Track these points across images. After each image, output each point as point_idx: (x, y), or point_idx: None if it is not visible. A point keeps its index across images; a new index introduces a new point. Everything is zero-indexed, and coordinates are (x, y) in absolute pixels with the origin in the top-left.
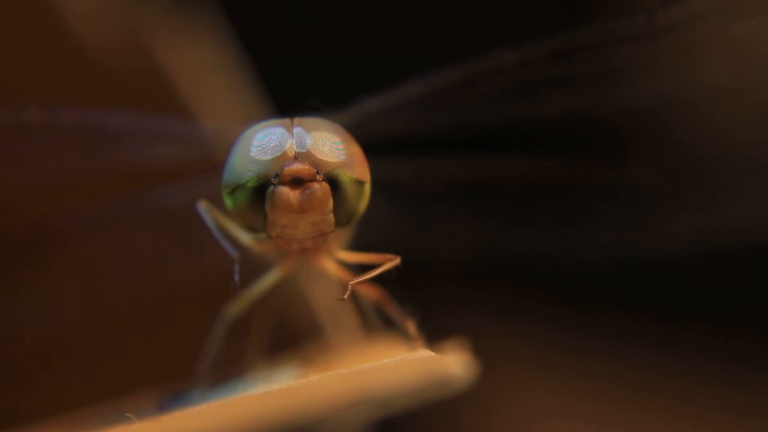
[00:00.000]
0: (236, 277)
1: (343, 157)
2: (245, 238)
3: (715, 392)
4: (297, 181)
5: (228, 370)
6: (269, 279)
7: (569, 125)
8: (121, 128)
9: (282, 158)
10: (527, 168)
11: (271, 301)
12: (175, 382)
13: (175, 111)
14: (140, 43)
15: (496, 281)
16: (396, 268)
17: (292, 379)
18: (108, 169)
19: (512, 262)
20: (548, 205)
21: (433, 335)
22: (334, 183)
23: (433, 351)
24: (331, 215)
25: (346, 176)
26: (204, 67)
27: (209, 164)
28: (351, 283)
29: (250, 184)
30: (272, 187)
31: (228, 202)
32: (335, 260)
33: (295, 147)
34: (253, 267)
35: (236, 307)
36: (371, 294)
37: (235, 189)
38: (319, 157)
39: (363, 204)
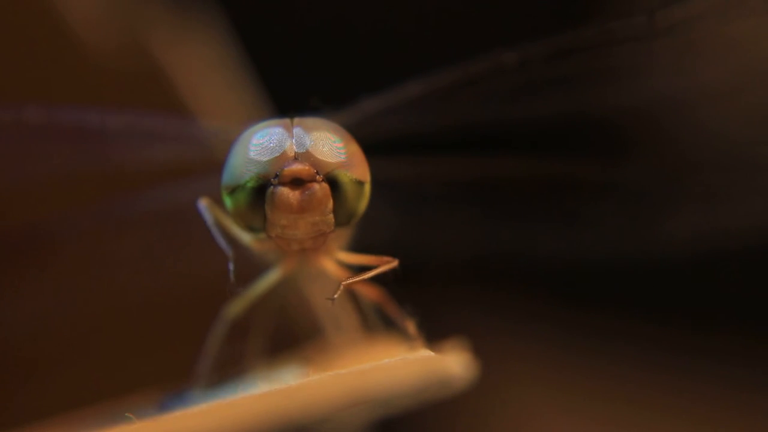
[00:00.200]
0: (232, 276)
1: (342, 158)
2: (245, 238)
3: (714, 391)
4: (297, 182)
5: (228, 370)
6: (269, 279)
7: (569, 125)
8: (120, 128)
9: (282, 158)
10: (527, 168)
11: (271, 301)
12: (175, 382)
13: (175, 111)
14: (140, 43)
15: (496, 281)
16: (393, 270)
17: (292, 379)
18: (107, 169)
19: (512, 262)
20: (548, 204)
21: (433, 335)
22: (333, 183)
23: (432, 351)
24: (331, 215)
25: (346, 176)
26: (204, 67)
27: (209, 164)
28: (344, 283)
29: (249, 185)
30: (272, 187)
31: (228, 202)
32: (335, 260)
33: (294, 147)
34: (253, 267)
35: (236, 308)
36: (371, 294)
37: (234, 189)
38: (319, 157)
39: (363, 204)
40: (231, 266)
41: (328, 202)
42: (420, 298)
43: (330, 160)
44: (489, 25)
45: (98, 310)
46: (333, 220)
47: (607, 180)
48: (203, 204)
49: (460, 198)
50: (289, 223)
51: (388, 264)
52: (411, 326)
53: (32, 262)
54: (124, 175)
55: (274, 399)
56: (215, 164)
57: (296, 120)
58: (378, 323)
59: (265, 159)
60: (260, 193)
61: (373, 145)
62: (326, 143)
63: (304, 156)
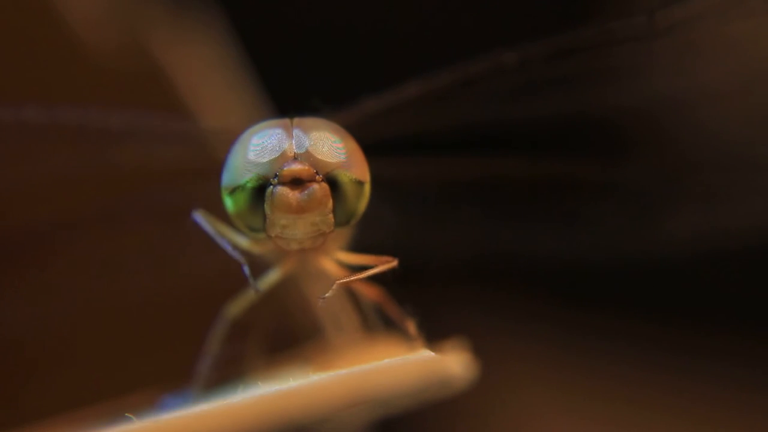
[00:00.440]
0: (250, 279)
1: (342, 158)
2: (244, 241)
3: (714, 391)
4: (296, 182)
5: (228, 370)
6: (269, 279)
7: (569, 125)
8: (121, 128)
9: (281, 159)
10: (527, 168)
11: (271, 301)
12: (175, 382)
13: (175, 111)
14: (140, 43)
15: (496, 281)
16: (393, 270)
17: (293, 379)
18: (108, 169)
19: (512, 262)
20: (548, 204)
21: (433, 335)
22: (333, 183)
23: (433, 351)
24: (331, 215)
25: (345, 176)
26: (204, 67)
27: (209, 164)
28: (338, 282)
29: (249, 185)
30: (272, 187)
31: (228, 202)
32: (335, 261)
33: (294, 147)
34: (254, 267)
35: (236, 308)
36: (371, 294)
37: (234, 190)
38: (319, 157)
39: (362, 204)
40: (246, 269)
41: (327, 202)
42: (420, 298)
43: (329, 160)
44: (489, 25)
45: (98, 310)
46: (333, 220)
47: (607, 180)
48: (200, 216)
49: (460, 198)
50: (289, 223)
51: (387, 264)
52: (411, 326)
53: (32, 262)
54: (124, 176)
55: (274, 399)
56: (215, 164)
57: (296, 120)
58: (378, 323)
59: (264, 159)
60: (260, 193)
61: (373, 145)
62: (326, 143)
63: (303, 156)
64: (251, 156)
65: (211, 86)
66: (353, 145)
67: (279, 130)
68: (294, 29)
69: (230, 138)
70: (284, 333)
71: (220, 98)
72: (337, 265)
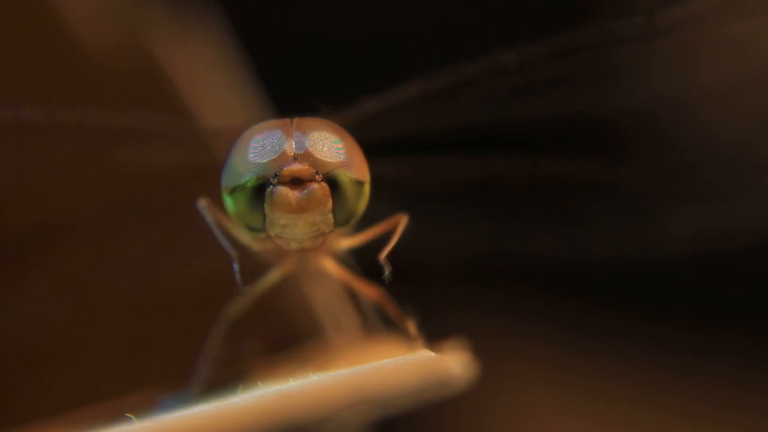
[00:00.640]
0: (237, 276)
1: (342, 157)
2: (245, 238)
3: (714, 391)
4: (296, 181)
5: (228, 370)
6: (269, 279)
7: (569, 125)
8: (121, 128)
9: (281, 158)
10: (527, 168)
11: (271, 301)
12: (175, 382)
13: (175, 111)
14: (140, 43)
15: (496, 281)
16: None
17: (293, 380)
18: (108, 169)
19: (512, 262)
20: (548, 204)
21: (433, 335)
22: (333, 183)
23: (433, 351)
24: (331, 215)
25: (345, 176)
26: (204, 67)
27: (209, 164)
28: (381, 256)
29: (249, 185)
30: (271, 187)
31: (228, 202)
32: (336, 259)
33: (294, 147)
34: (253, 267)
35: (236, 308)
36: (371, 294)
37: (234, 189)
38: (319, 157)
39: (362, 204)
40: (236, 266)
41: (327, 201)
42: (420, 298)
43: (329, 160)
44: (489, 25)
45: (98, 310)
46: (332, 219)
47: (607, 180)
48: (202, 204)
49: (460, 198)
50: (289, 222)
51: (401, 223)
52: (411, 326)
53: (32, 262)
54: (124, 175)
55: (274, 399)
56: (215, 164)
57: (296, 120)
58: (378, 323)
59: (264, 159)
60: (260, 192)
61: (373, 145)
62: (325, 143)
63: (303, 156)
64: (251, 156)
65: (211, 86)
66: (353, 145)
67: (279, 130)
68: (294, 29)
69: (230, 138)
70: (284, 333)
71: (220, 98)
72: (337, 265)
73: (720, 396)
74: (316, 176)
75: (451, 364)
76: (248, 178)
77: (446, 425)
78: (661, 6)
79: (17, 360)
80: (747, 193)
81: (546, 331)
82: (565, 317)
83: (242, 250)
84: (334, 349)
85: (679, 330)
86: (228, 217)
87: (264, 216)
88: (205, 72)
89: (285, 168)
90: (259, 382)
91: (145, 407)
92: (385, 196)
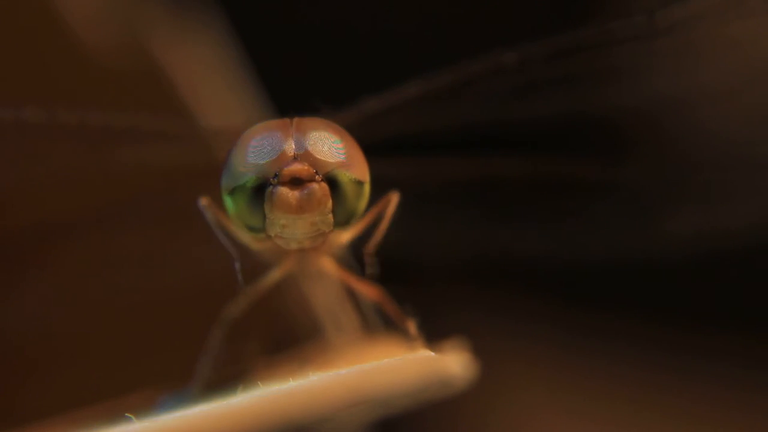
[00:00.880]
0: (239, 275)
1: (342, 157)
2: (245, 238)
3: (714, 391)
4: (296, 181)
5: (228, 370)
6: (269, 279)
7: (569, 125)
8: (121, 128)
9: (281, 158)
10: (527, 168)
11: (271, 301)
12: (175, 382)
13: (175, 111)
14: (140, 43)
15: (496, 281)
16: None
17: (292, 379)
18: (108, 169)
19: (512, 262)
20: (548, 204)
21: (433, 335)
22: (333, 183)
23: (433, 351)
24: (330, 215)
25: (345, 176)
26: (204, 67)
27: (209, 164)
28: (372, 245)
29: (249, 185)
30: (271, 187)
31: (228, 202)
32: (336, 259)
33: (294, 147)
34: (254, 267)
35: (236, 308)
36: (371, 294)
37: (234, 190)
38: (318, 157)
39: (362, 204)
40: (237, 265)
41: (327, 201)
42: (420, 298)
43: (329, 160)
44: (489, 25)
45: (98, 310)
46: (332, 220)
47: (607, 180)
48: (203, 203)
49: (460, 198)
50: (289, 222)
51: (392, 201)
52: (411, 326)
53: (32, 262)
54: (124, 175)
55: (274, 399)
56: (215, 164)
57: (295, 120)
58: (378, 323)
59: (264, 159)
60: (260, 193)
61: (373, 145)
62: (325, 143)
63: (303, 156)
64: (251, 156)
65: (211, 86)
66: (353, 145)
67: (278, 130)
68: (294, 29)
69: (230, 138)
70: (284, 333)
71: (220, 98)
72: (337, 264)
73: (720, 396)
74: (316, 176)
75: (451, 364)
76: (248, 178)
77: (446, 425)
78: (661, 6)
79: (17, 360)
80: (747, 193)
81: (546, 331)
82: (565, 317)
83: (242, 249)
84: (334, 349)
85: (679, 330)
86: (228, 217)
87: (264, 216)
88: (205, 72)
89: (285, 168)
90: (259, 382)
91: (145, 407)
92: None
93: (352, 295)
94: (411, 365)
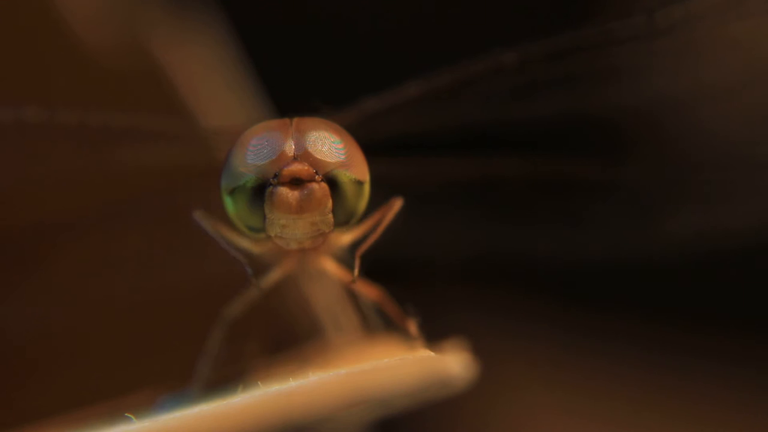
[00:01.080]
0: (252, 279)
1: (342, 157)
2: (245, 243)
3: (714, 391)
4: (296, 182)
5: (228, 370)
6: (269, 279)
7: (569, 125)
8: (121, 128)
9: (281, 159)
10: (527, 168)
11: (271, 301)
12: (175, 382)
13: (175, 111)
14: (140, 43)
15: (496, 281)
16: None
17: (292, 379)
18: (108, 169)
19: (512, 262)
20: (548, 204)
21: (433, 335)
22: (333, 183)
23: (433, 351)
24: (331, 215)
25: (345, 176)
26: (204, 67)
27: (209, 164)
28: (364, 246)
29: (249, 185)
30: (271, 187)
31: (227, 203)
32: (336, 259)
33: (294, 147)
34: (254, 267)
35: (236, 308)
36: (371, 294)
37: (234, 190)
38: (318, 157)
39: (362, 204)
40: (249, 270)
41: (327, 201)
42: (420, 298)
43: (329, 160)
44: (489, 25)
45: (99, 310)
46: (332, 219)
47: (607, 180)
48: (199, 216)
49: (459, 198)
50: (289, 223)
51: (394, 208)
52: (411, 326)
53: (32, 262)
54: (124, 175)
55: (274, 399)
56: (215, 164)
57: (295, 120)
58: (378, 323)
59: (264, 159)
60: (260, 193)
61: (373, 145)
62: (325, 143)
63: (303, 156)
64: (251, 156)
65: (211, 86)
66: (353, 145)
67: (278, 131)
68: (294, 29)
69: (230, 138)
70: (284, 333)
71: (220, 98)
72: (337, 264)
73: (720, 396)
74: (316, 176)
75: (451, 364)
76: (248, 178)
77: (446, 425)
78: (661, 6)
79: (17, 360)
80: (747, 193)
81: (546, 331)
82: (565, 317)
83: (242, 253)
84: (334, 349)
85: (679, 330)
86: (225, 220)
87: (264, 216)
88: (205, 72)
89: (285, 168)
90: (259, 382)
91: (145, 407)
92: (385, 196)
93: (352, 295)
94: (411, 365)
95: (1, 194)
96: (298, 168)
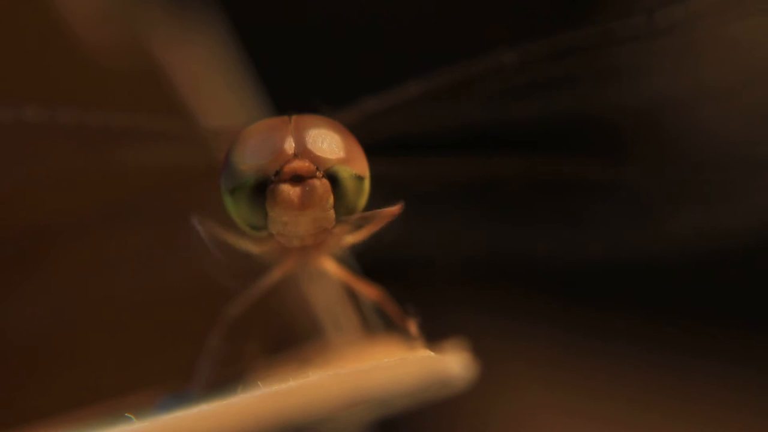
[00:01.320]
0: (243, 281)
1: (341, 153)
2: (244, 244)
3: (714, 391)
4: (297, 178)
5: (228, 370)
6: (269, 279)
7: (569, 125)
8: (121, 128)
9: (281, 156)
10: (527, 168)
11: (271, 301)
12: (175, 382)
13: (175, 111)
14: (140, 43)
15: (496, 281)
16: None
17: (292, 379)
18: (108, 169)
19: (512, 262)
20: (548, 204)
21: (433, 335)
22: (333, 179)
23: (433, 351)
24: (332, 211)
25: (345, 172)
26: (204, 67)
27: (209, 164)
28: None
29: (250, 184)
30: (272, 184)
31: (228, 202)
32: (336, 259)
33: (293, 144)
34: (254, 267)
35: (236, 308)
36: (371, 294)
37: (234, 189)
38: (318, 153)
39: (363, 200)
40: (239, 273)
41: (328, 197)
42: (420, 298)
43: (329, 156)
44: (489, 25)
45: (99, 310)
46: (334, 216)
47: (607, 180)
48: (196, 221)
49: (460, 198)
50: (291, 219)
51: (391, 212)
52: (411, 326)
53: (32, 262)
54: (124, 175)
55: (274, 399)
56: (215, 164)
57: (294, 117)
58: (378, 323)
59: (264, 157)
60: (260, 191)
61: (373, 145)
62: (325, 139)
63: (303, 153)
64: (251, 155)
65: (211, 86)
66: (352, 141)
67: (278, 128)
68: (294, 29)
69: (230, 138)
70: (284, 333)
71: (220, 98)
72: (337, 264)
73: (720, 396)
74: (317, 173)
75: (451, 364)
76: (249, 177)
77: (446, 425)
78: (661, 6)
79: (17, 360)
80: (747, 193)
81: (546, 331)
82: (565, 317)
83: (242, 253)
84: (334, 349)
85: (679, 330)
86: (226, 220)
87: (265, 214)
88: (205, 72)
89: (286, 165)
90: (259, 382)
91: (145, 407)
92: (385, 196)
93: (352, 295)
94: (411, 365)
95: (1, 194)
96: (299, 165)
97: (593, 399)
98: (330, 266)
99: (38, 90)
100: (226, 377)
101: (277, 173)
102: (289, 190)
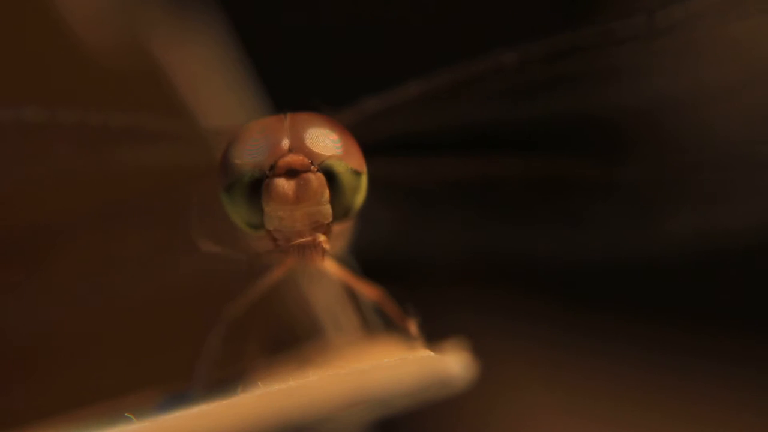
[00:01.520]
0: (250, 276)
1: (336, 148)
2: (244, 245)
3: (714, 391)
4: (292, 173)
5: (228, 370)
6: (269, 279)
7: (569, 125)
8: (121, 128)
9: (276, 151)
10: (527, 168)
11: (271, 301)
12: (175, 382)
13: (175, 111)
14: (140, 43)
15: (496, 281)
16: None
17: (292, 379)
18: (108, 169)
19: (512, 262)
20: (548, 204)
21: (433, 335)
22: (329, 173)
23: (432, 351)
24: (328, 206)
25: (341, 166)
26: (204, 67)
27: (209, 164)
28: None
29: (245, 180)
30: (267, 179)
31: (225, 200)
32: (336, 259)
33: (289, 140)
34: (253, 267)
35: (236, 308)
36: (371, 294)
37: (231, 186)
38: (313, 148)
39: (360, 196)
40: (249, 268)
41: (323, 191)
42: (420, 298)
43: (324, 151)
44: (489, 25)
45: (99, 310)
46: (330, 210)
47: (607, 180)
48: (202, 241)
49: (460, 198)
50: (286, 214)
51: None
52: (411, 326)
53: (32, 262)
54: (125, 175)
55: (274, 399)
56: (215, 164)
57: (290, 115)
58: (378, 323)
59: (259, 153)
60: (256, 187)
61: (373, 145)
62: (319, 134)
63: (298, 148)
64: (246, 152)
65: (211, 86)
66: (348, 137)
67: (273, 126)
68: (294, 29)
69: (228, 137)
70: (284, 333)
71: (220, 98)
72: (337, 264)
73: (720, 396)
74: (312, 167)
75: (451, 364)
76: (244, 173)
77: (446, 425)
78: (661, 6)
79: (17, 360)
80: (747, 193)
81: (546, 331)
82: (565, 317)
83: (242, 254)
84: (334, 349)
85: (679, 330)
86: (226, 220)
87: (262, 211)
88: (205, 72)
89: (280, 160)
90: (259, 382)
91: (145, 407)
92: (385, 196)
93: (352, 295)
94: (411, 365)
95: (1, 194)
96: (293, 159)
97: (593, 399)
98: (330, 266)
99: (38, 90)
100: (226, 377)
101: (272, 168)
102: (284, 184)
